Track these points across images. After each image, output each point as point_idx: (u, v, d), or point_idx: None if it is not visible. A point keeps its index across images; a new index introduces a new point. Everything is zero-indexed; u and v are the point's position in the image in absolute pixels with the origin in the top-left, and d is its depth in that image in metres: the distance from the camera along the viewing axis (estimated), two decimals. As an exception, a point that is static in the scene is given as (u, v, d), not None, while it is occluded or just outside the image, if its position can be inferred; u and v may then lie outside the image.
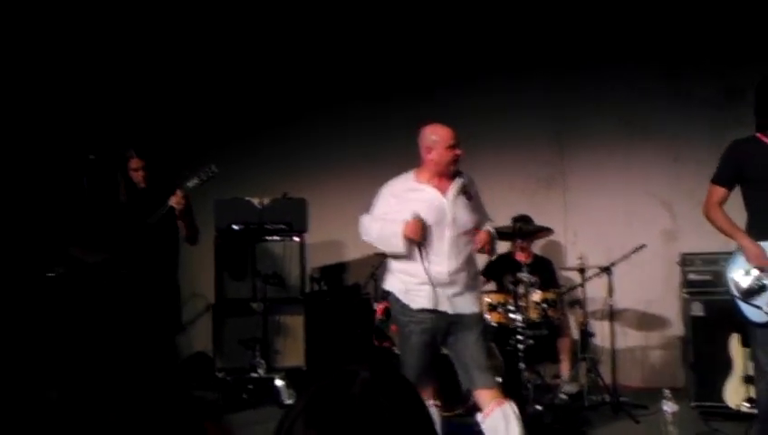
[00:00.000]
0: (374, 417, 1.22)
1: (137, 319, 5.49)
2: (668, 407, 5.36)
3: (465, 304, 4.28)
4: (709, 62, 6.81)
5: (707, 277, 5.81)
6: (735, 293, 4.11)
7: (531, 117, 7.32)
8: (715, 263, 5.59)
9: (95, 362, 5.29)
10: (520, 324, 5.52)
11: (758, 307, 4.02)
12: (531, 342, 5.56)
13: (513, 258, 6.50)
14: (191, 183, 5.63)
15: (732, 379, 5.44)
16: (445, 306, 4.21)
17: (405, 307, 4.27)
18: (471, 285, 4.35)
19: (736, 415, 5.31)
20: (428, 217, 4.18)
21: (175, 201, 5.56)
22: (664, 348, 6.90)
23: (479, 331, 4.30)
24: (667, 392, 5.57)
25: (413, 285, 4.24)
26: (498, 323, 5.78)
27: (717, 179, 4.26)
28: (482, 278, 5.13)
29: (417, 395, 1.34)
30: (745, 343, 5.09)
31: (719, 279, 4.82)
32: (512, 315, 5.63)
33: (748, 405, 5.21)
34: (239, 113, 8.04)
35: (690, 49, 6.91)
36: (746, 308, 4.07)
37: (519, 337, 5.48)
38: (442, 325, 4.25)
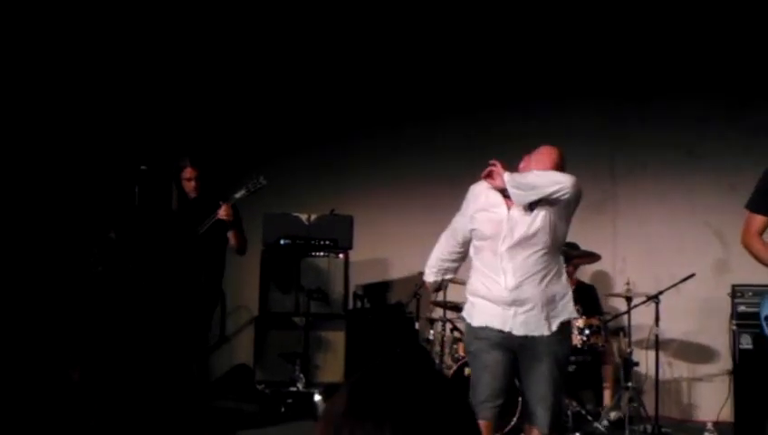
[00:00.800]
0: (413, 404, 1.27)
1: (171, 320, 5.60)
2: (710, 441, 5.26)
3: (536, 326, 3.87)
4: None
5: (758, 310, 5.65)
6: None
7: (586, 141, 7.18)
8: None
9: (118, 348, 5.35)
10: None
11: None
12: (572, 368, 5.48)
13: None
14: (238, 194, 5.74)
15: (779, 415, 5.29)
16: (509, 326, 3.88)
17: (469, 327, 4.05)
18: (546, 305, 3.90)
19: (782, 453, 5.16)
20: (486, 229, 3.99)
21: (223, 214, 5.67)
22: (709, 380, 6.70)
23: (553, 359, 3.89)
24: (710, 426, 5.47)
25: (476, 300, 4.00)
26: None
27: (754, 207, 4.03)
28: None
29: (443, 378, 1.37)
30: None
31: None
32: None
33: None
34: (293, 128, 8.12)
35: (751, 77, 6.75)
36: None
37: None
38: (514, 346, 3.92)
